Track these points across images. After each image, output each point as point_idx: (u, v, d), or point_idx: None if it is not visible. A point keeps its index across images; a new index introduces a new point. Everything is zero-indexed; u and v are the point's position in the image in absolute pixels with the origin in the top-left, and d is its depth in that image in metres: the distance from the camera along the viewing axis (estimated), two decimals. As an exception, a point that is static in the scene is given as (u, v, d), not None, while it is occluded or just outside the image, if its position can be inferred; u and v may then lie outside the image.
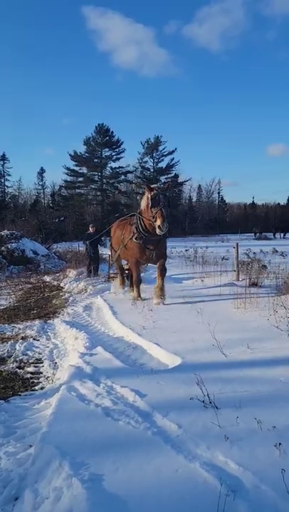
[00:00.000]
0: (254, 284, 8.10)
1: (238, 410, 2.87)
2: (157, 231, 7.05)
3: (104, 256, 17.42)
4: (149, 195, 7.22)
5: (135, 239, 7.73)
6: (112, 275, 11.26)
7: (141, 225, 7.62)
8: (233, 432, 2.57)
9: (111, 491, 2.06)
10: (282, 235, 39.57)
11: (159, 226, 6.94)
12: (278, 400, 3.06)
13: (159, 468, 2.22)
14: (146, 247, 7.69)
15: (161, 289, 7.49)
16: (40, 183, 60.39)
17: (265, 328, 5.18)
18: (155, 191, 7.18)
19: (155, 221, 7.01)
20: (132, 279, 8.67)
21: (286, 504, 1.86)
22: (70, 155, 50.95)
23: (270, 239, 34.73)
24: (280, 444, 2.31)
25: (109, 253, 10.58)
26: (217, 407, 2.92)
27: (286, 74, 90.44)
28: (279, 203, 70.24)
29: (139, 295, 7.94)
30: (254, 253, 9.52)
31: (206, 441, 2.48)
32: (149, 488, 2.05)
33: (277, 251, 13.48)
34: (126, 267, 9.85)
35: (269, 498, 1.93)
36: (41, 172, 60.21)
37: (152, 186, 7.37)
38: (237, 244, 10.44)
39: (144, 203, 7.67)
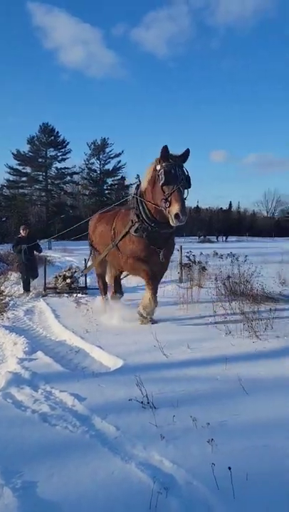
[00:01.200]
0: (196, 286, 8.34)
1: (176, 409, 2.94)
2: (172, 221, 4.84)
3: (54, 261, 16.85)
4: (162, 167, 4.94)
5: (135, 231, 5.47)
6: (49, 285, 9.44)
7: (144, 210, 5.36)
8: (169, 431, 2.63)
9: (45, 498, 2.03)
10: (224, 238, 41.25)
11: (176, 214, 4.74)
12: (214, 397, 3.18)
13: (96, 471, 2.22)
14: (154, 243, 5.47)
15: (151, 302, 5.56)
16: (-19, 182, 57.81)
17: (205, 328, 5.36)
18: (171, 161, 4.96)
19: (169, 206, 4.81)
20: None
21: (215, 497, 1.94)
22: (12, 154, 49.35)
23: (213, 242, 35.96)
24: (212, 439, 2.41)
25: (88, 258, 8.34)
26: (155, 407, 2.97)
27: (229, 82, 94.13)
28: (221, 208, 72.80)
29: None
30: (194, 255, 9.80)
31: (143, 442, 2.52)
32: (84, 492, 2.05)
33: (217, 253, 13.97)
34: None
35: (200, 492, 2.00)
36: (-18, 171, 57.62)
37: (167, 154, 4.99)
38: (181, 246, 10.69)
39: (148, 178, 5.31)
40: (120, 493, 2.03)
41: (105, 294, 7.46)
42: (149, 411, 2.94)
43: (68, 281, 9.26)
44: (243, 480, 2.07)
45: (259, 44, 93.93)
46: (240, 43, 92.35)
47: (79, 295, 8.82)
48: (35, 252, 10.22)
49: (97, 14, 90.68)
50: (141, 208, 5.41)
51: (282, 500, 1.95)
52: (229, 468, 2.01)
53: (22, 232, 10.16)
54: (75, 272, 9.69)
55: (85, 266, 8.73)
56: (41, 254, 11.05)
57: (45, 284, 9.52)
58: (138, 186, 5.70)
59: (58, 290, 9.20)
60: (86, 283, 9.60)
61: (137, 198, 5.50)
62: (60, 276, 9.61)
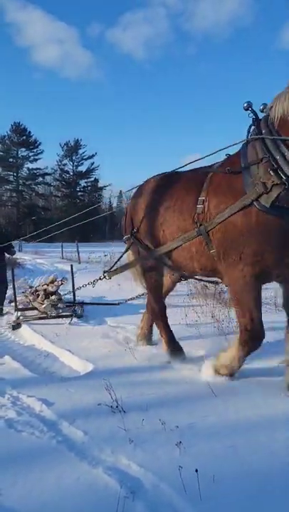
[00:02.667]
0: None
1: (145, 413, 2.93)
2: None
3: (24, 263, 16.23)
4: None
5: (271, 205, 2.99)
6: (22, 304, 7.03)
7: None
8: (138, 435, 2.62)
9: (7, 506, 1.97)
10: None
11: None
12: (183, 400, 3.20)
13: (61, 477, 2.18)
14: None
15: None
16: None
17: (177, 330, 5.37)
18: None
19: None
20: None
21: (180, 499, 1.95)
22: (-18, 153, 48.27)
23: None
24: (180, 442, 2.41)
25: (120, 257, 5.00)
26: (124, 411, 2.95)
27: (204, 87, 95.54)
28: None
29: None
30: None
31: (111, 446, 2.50)
32: (49, 499, 2.01)
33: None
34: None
35: (166, 495, 2.00)
36: None
37: None
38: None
39: None
40: (86, 499, 2.00)
41: (170, 337, 4.35)
42: (118, 415, 2.92)
43: (53, 298, 6.65)
44: (210, 481, 2.08)
45: (234, 51, 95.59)
46: (215, 49, 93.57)
47: (74, 319, 6.26)
48: (6, 255, 7.65)
49: (73, 12, 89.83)
50: (281, 156, 2.91)
51: (248, 501, 1.98)
52: (196, 470, 2.02)
53: None
54: (61, 284, 7.17)
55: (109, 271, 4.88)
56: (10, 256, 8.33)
57: (15, 300, 6.85)
58: (266, 120, 3.14)
59: (39, 314, 6.47)
60: (75, 296, 6.99)
61: (270, 141, 3.00)
62: (38, 290, 7.01)
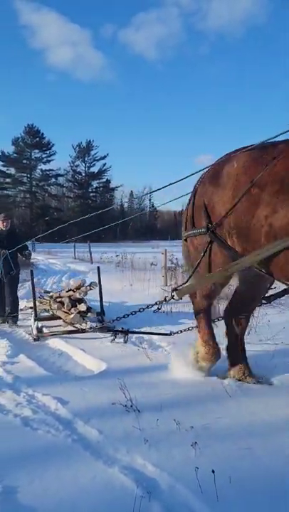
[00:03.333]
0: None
1: (159, 413, 2.93)
2: None
3: (37, 263, 16.36)
4: None
5: None
6: (43, 313, 6.24)
7: None
8: (152, 435, 2.62)
9: (25, 503, 1.99)
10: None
11: None
12: (197, 401, 3.19)
13: (77, 475, 2.19)
14: None
15: None
16: None
17: (188, 331, 5.35)
18: None
19: None
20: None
21: (197, 500, 1.94)
22: (-4, 154, 48.87)
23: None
24: (195, 443, 2.40)
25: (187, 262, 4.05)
26: (139, 411, 2.96)
27: (216, 87, 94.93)
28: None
29: None
30: (176, 259, 9.87)
31: (126, 445, 2.50)
32: (65, 497, 2.02)
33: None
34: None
35: (182, 495, 1.99)
36: None
37: None
38: (165, 250, 10.72)
39: None
40: (102, 498, 2.01)
41: (210, 335, 3.74)
42: (133, 414, 2.92)
43: (82, 308, 5.66)
44: (227, 482, 2.07)
45: (248, 50, 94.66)
46: (229, 49, 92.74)
47: (117, 338, 5.06)
48: (19, 258, 6.61)
49: (86, 14, 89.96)
50: None
51: (266, 502, 1.96)
52: (213, 471, 2.01)
53: (0, 225, 6.36)
54: (90, 289, 6.07)
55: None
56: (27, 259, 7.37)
57: (35, 308, 5.79)
58: None
59: (66, 326, 5.58)
60: (102, 308, 5.92)
61: None
62: (62, 296, 6.04)
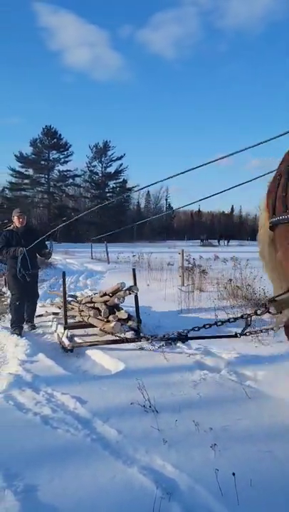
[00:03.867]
0: (197, 290, 8.32)
1: (178, 413, 2.92)
2: None
3: (55, 263, 16.50)
4: None
5: None
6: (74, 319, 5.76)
7: None
8: (172, 435, 2.61)
9: (45, 502, 2.00)
10: (226, 242, 41.31)
11: None
12: (216, 402, 3.16)
13: (96, 475, 2.20)
14: None
15: None
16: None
17: (206, 332, 5.32)
18: None
19: None
20: None
21: (217, 502, 1.92)
22: (15, 156, 49.59)
23: (215, 246, 35.97)
24: (215, 444, 2.38)
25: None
26: (157, 411, 2.95)
27: (234, 86, 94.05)
28: (224, 212, 72.88)
29: None
30: (194, 259, 9.82)
31: (145, 446, 2.50)
32: (84, 496, 2.03)
33: (218, 257, 13.94)
34: None
35: (202, 497, 1.98)
36: (-16, 172, 57.91)
37: None
38: (182, 250, 10.68)
39: None
40: (122, 498, 2.01)
41: None
42: (151, 415, 2.91)
43: (123, 316, 5.07)
44: (247, 485, 2.04)
45: (267, 48, 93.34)
46: (248, 47, 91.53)
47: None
48: (38, 259, 6.18)
49: (104, 15, 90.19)
50: None
51: (287, 507, 1.93)
52: (233, 474, 1.99)
53: (16, 222, 5.93)
54: (130, 294, 5.23)
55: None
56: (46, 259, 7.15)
57: (65, 315, 5.33)
58: None
59: (103, 336, 4.91)
60: (139, 315, 5.33)
61: None
62: (95, 301, 5.62)
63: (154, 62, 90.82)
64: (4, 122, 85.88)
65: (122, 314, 5.08)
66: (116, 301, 5.23)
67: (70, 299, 6.36)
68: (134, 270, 5.67)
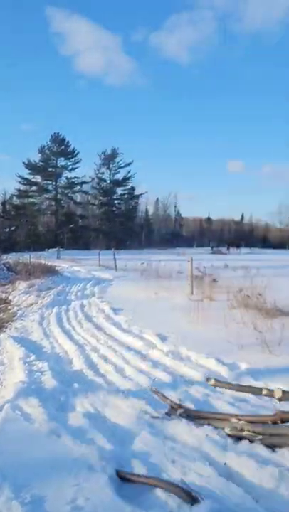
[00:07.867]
0: (207, 299, 8.21)
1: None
2: None
3: (62, 271, 16.23)
4: None
5: None
6: None
7: None
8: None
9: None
10: (237, 249, 41.41)
11: None
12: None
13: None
14: None
15: None
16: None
17: (217, 341, 5.22)
18: None
19: None
20: None
21: None
22: (24, 163, 50.02)
23: (225, 253, 35.96)
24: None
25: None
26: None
27: (249, 92, 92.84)
28: (233, 219, 72.55)
29: None
30: (204, 267, 9.71)
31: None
32: (93, 508, 1.96)
33: (228, 266, 13.85)
34: None
35: None
36: (-8, 179, 58.34)
37: None
38: (192, 258, 10.57)
39: None
40: None
41: None
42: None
43: None
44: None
45: (285, 52, 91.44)
46: (264, 51, 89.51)
47: None
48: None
49: (117, 19, 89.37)
50: None
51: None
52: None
53: None
54: None
55: None
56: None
57: None
58: None
59: None
60: None
61: None
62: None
63: (168, 67, 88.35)
64: (15, 129, 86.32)
65: None
66: None
67: None
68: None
